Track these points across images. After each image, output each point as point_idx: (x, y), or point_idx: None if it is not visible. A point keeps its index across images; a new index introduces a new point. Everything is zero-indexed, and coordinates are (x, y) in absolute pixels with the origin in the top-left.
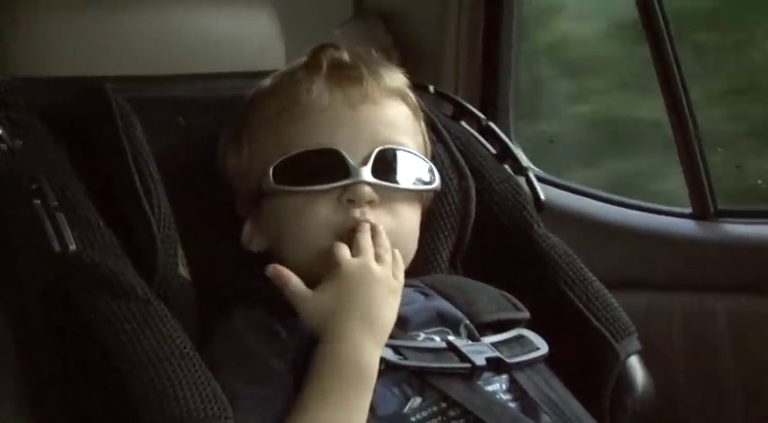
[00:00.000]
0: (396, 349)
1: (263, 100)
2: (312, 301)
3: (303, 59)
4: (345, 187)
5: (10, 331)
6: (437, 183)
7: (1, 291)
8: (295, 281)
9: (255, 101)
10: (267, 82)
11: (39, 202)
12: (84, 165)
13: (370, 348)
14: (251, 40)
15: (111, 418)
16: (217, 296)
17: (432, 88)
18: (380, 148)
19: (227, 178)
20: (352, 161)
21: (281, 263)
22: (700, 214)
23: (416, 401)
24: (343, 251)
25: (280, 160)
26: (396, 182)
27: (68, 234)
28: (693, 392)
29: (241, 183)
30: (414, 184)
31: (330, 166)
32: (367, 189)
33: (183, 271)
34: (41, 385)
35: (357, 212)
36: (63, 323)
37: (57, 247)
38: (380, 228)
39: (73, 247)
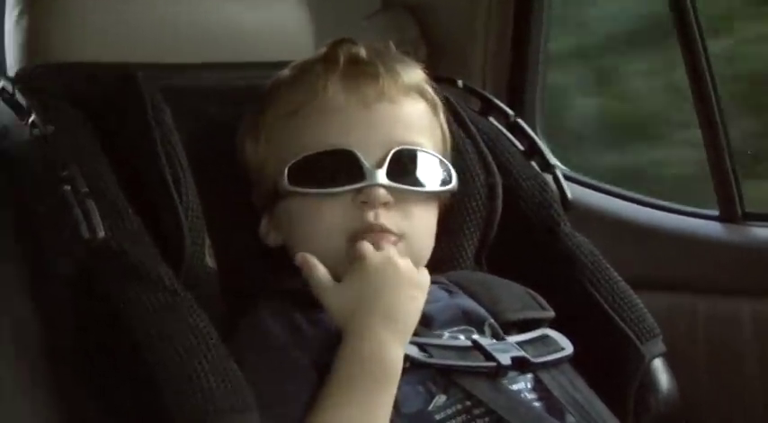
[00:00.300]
0: (421, 347)
1: (281, 95)
2: (336, 294)
3: (321, 52)
4: (360, 189)
5: (37, 318)
6: (454, 183)
7: (29, 278)
8: (321, 271)
9: (273, 94)
10: (285, 74)
11: (69, 188)
12: (115, 152)
13: (393, 345)
14: (280, 30)
15: (138, 408)
16: (241, 287)
17: (460, 83)
18: (396, 149)
19: (244, 167)
20: (366, 163)
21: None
22: (726, 217)
23: (441, 399)
24: (367, 245)
25: (294, 161)
26: (411, 184)
27: (98, 221)
28: (716, 396)
29: (257, 176)
30: (430, 185)
31: (345, 167)
32: (381, 192)
33: (210, 261)
34: (68, 374)
35: (371, 215)
36: (90, 311)
37: (86, 235)
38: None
39: (102, 234)
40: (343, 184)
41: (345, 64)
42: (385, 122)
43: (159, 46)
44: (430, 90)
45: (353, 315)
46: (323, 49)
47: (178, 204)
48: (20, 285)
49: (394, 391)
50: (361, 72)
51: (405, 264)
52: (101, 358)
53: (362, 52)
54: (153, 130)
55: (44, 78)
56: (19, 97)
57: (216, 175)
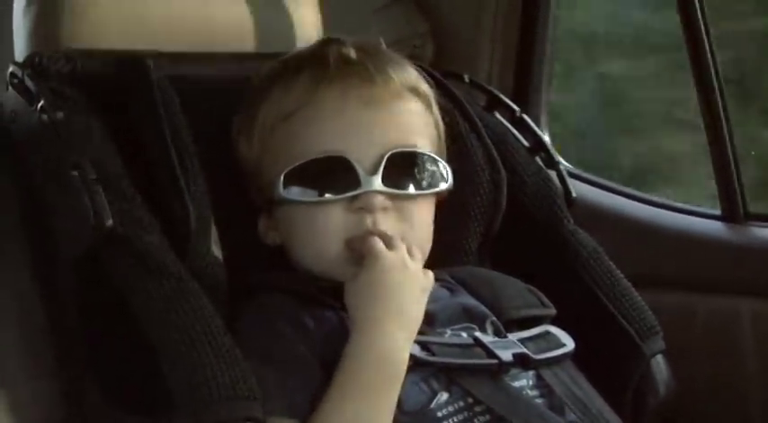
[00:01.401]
0: (423, 345)
1: (272, 97)
2: (350, 289)
3: (308, 50)
4: (356, 196)
5: (42, 303)
6: (450, 181)
7: (35, 262)
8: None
9: (263, 95)
10: (274, 71)
11: (77, 174)
12: (124, 139)
13: (401, 342)
14: (290, 23)
15: (142, 393)
16: (245, 279)
17: (467, 78)
18: (391, 152)
19: (240, 164)
20: (361, 169)
21: (294, 262)
22: (729, 216)
23: (443, 397)
24: (379, 243)
25: (289, 169)
26: (407, 187)
27: (105, 208)
28: (715, 394)
29: (252, 174)
30: (426, 186)
31: (340, 174)
32: (378, 198)
33: (216, 250)
34: (72, 358)
35: (369, 221)
36: (95, 296)
37: (93, 221)
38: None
39: (110, 221)
40: (339, 192)
41: (336, 66)
42: (379, 126)
43: (167, 35)
44: (423, 86)
45: (365, 311)
46: (309, 48)
47: (186, 193)
48: (24, 265)
49: (398, 388)
50: (354, 74)
51: (414, 266)
52: (105, 343)
53: (352, 53)
54: (162, 118)
55: (53, 64)
56: (28, 83)
57: (222, 165)
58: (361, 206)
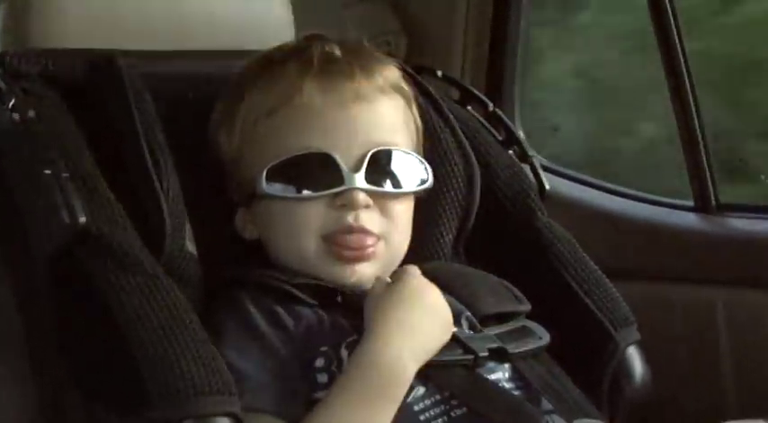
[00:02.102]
0: None
1: (255, 93)
2: (373, 298)
3: (291, 46)
4: (339, 193)
5: (18, 304)
6: (430, 181)
7: (9, 260)
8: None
9: (246, 90)
10: (256, 67)
11: (49, 172)
12: (96, 137)
13: (405, 359)
14: (262, 19)
15: (121, 391)
16: (219, 273)
17: (440, 73)
18: (374, 150)
19: (218, 157)
20: (345, 166)
21: (272, 256)
22: (701, 207)
23: (420, 391)
24: (416, 270)
25: (272, 165)
26: (389, 185)
27: (78, 206)
28: (690, 383)
29: (232, 169)
30: (407, 185)
31: (323, 171)
32: (361, 195)
33: (190, 246)
34: (47, 355)
35: (351, 217)
36: (70, 295)
37: (66, 219)
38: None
39: (83, 219)
40: (321, 189)
41: (320, 63)
42: (362, 124)
43: (139, 33)
44: (405, 85)
45: (378, 324)
46: (293, 44)
47: (159, 189)
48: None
49: (397, 404)
50: (337, 72)
51: (442, 301)
52: (82, 342)
53: (336, 51)
54: (134, 116)
55: (24, 63)
56: None
57: (195, 161)
58: (343, 203)
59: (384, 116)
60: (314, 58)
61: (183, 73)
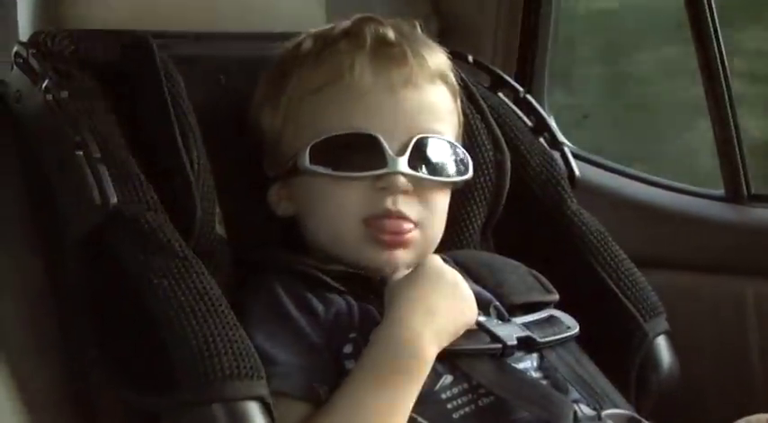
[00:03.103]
0: None
1: (305, 70)
2: (396, 281)
3: (345, 26)
4: (380, 176)
5: (46, 281)
6: (470, 172)
7: (41, 241)
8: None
9: (295, 67)
10: (307, 46)
11: (81, 153)
12: (127, 118)
13: (428, 341)
14: (293, 2)
15: (146, 371)
16: (249, 255)
17: (471, 58)
18: (418, 136)
19: (257, 134)
20: (389, 150)
21: (308, 234)
22: (732, 198)
23: (448, 379)
24: (439, 259)
25: (317, 141)
26: (431, 172)
27: (110, 187)
28: (718, 373)
29: (272, 146)
30: (448, 174)
31: (367, 152)
32: (402, 179)
33: (220, 229)
34: (77, 336)
35: (389, 201)
36: (100, 276)
37: (97, 200)
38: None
39: (114, 200)
40: (364, 170)
41: (372, 45)
42: (409, 109)
43: (170, 15)
44: (452, 75)
45: (401, 302)
46: (346, 25)
47: (189, 172)
48: (29, 245)
49: (418, 388)
50: (389, 55)
51: (467, 291)
52: (111, 322)
53: (390, 33)
54: (166, 97)
55: (57, 44)
56: (32, 62)
57: (226, 143)
58: (384, 186)
59: (431, 103)
60: (367, 38)
61: (215, 55)
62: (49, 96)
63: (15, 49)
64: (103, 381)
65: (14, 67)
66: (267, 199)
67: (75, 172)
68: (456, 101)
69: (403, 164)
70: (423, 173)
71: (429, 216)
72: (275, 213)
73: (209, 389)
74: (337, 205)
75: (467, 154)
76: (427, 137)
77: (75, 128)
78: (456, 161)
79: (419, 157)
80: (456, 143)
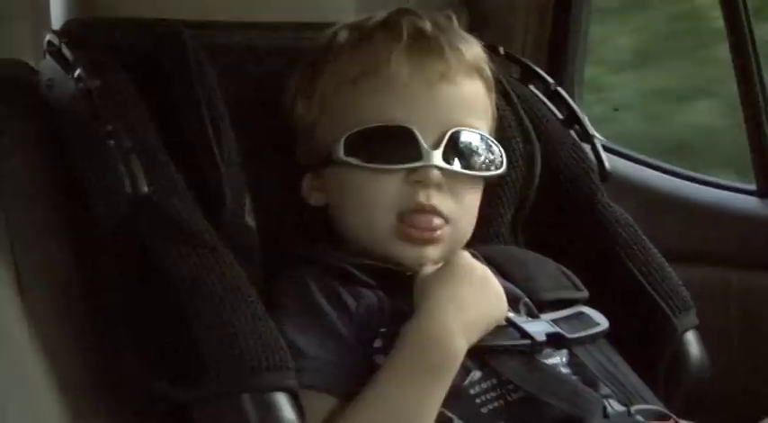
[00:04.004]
0: None
1: (341, 60)
2: (425, 276)
3: (381, 18)
4: (415, 169)
5: (75, 269)
6: (504, 167)
7: (72, 229)
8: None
9: (331, 58)
10: (343, 37)
11: (113, 143)
12: (158, 108)
13: (458, 335)
14: None
15: (176, 362)
16: (279, 246)
17: (501, 50)
18: (453, 130)
19: (290, 124)
20: (425, 143)
21: (339, 225)
22: (764, 191)
23: (476, 375)
24: (468, 255)
25: (352, 132)
26: (465, 167)
27: (141, 176)
28: (748, 369)
29: (306, 135)
30: (482, 170)
31: (402, 144)
32: (436, 173)
33: (249, 219)
34: (108, 324)
35: (422, 195)
36: (131, 264)
37: (128, 189)
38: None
39: (144, 189)
40: (398, 162)
41: (410, 37)
42: (445, 103)
43: (201, 4)
44: (488, 69)
45: (431, 298)
46: (383, 16)
47: (219, 161)
48: (59, 233)
49: (448, 384)
50: (426, 48)
51: (497, 288)
52: (142, 312)
53: (427, 26)
54: (196, 87)
55: (90, 33)
56: (65, 51)
57: (257, 133)
58: (418, 179)
59: (466, 98)
60: (403, 31)
61: (245, 44)
62: (81, 85)
63: (48, 37)
64: (134, 371)
65: (47, 55)
66: (300, 189)
67: (107, 160)
68: (491, 95)
69: (437, 157)
70: (456, 167)
71: (461, 212)
72: (307, 204)
73: (239, 380)
74: (370, 198)
75: (501, 148)
76: (462, 130)
77: (107, 117)
78: (490, 155)
79: (453, 150)
80: (490, 138)
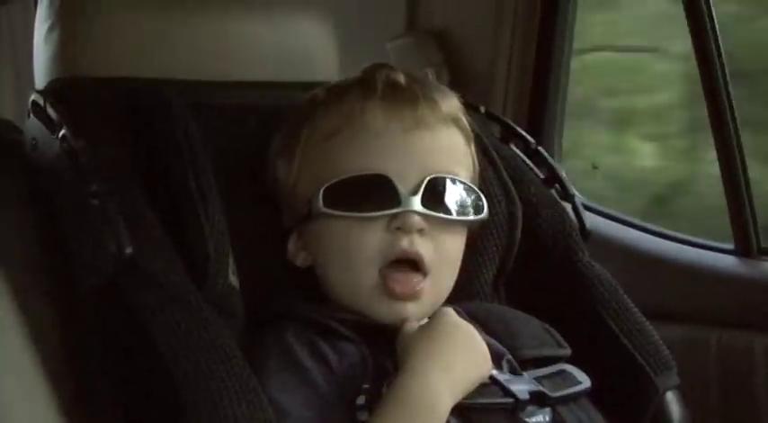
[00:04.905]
0: None
1: (317, 117)
2: (408, 334)
3: (358, 77)
4: (395, 215)
5: (59, 330)
6: (485, 213)
7: (54, 288)
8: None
9: (309, 115)
10: (321, 95)
11: (97, 203)
12: (143, 169)
13: (443, 395)
14: (307, 51)
15: (160, 419)
16: (263, 307)
17: (482, 108)
18: (431, 176)
19: (275, 188)
20: (402, 189)
21: (324, 284)
22: (742, 251)
23: None
24: (452, 311)
25: (330, 183)
26: (445, 212)
27: (125, 236)
28: None
29: (288, 196)
30: (462, 214)
31: (380, 192)
32: (416, 218)
33: (233, 279)
34: (89, 383)
35: (405, 242)
36: (114, 325)
37: (113, 249)
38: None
39: (129, 250)
40: (378, 210)
41: (384, 89)
42: (422, 150)
43: (186, 62)
44: (465, 120)
45: (417, 356)
46: (359, 74)
47: (204, 222)
48: (41, 293)
49: None
50: (400, 97)
51: (482, 345)
52: (124, 371)
53: (401, 78)
54: (182, 147)
55: (74, 92)
56: (50, 111)
57: (241, 193)
58: (398, 226)
59: (444, 145)
60: (377, 83)
61: (228, 103)
62: (66, 145)
63: (32, 97)
64: None
65: (31, 115)
66: (286, 250)
67: (91, 221)
68: (470, 145)
69: (416, 203)
70: (437, 212)
71: (442, 257)
72: (293, 264)
73: None
74: (353, 248)
75: (481, 194)
76: (440, 176)
77: (91, 177)
78: (470, 201)
79: (433, 196)
80: (470, 183)
